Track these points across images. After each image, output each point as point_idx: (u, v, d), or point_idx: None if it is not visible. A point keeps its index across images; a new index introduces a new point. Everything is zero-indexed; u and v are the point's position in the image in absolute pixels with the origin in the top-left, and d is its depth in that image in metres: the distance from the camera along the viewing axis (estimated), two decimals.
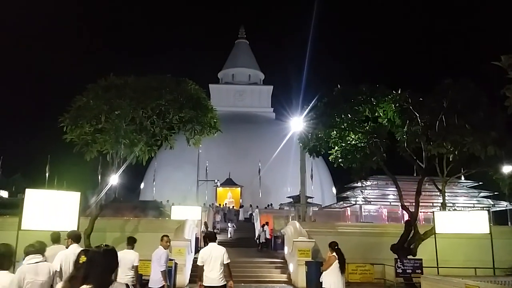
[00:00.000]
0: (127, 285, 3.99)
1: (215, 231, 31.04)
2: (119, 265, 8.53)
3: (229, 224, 33.00)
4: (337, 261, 10.23)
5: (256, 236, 30.12)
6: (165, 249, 10.47)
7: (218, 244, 8.86)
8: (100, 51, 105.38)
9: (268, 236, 27.37)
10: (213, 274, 8.27)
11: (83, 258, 4.76)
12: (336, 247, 10.43)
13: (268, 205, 42.77)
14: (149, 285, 10.11)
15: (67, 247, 7.84)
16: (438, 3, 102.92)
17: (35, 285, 5.81)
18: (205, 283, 8.27)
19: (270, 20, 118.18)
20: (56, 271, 6.45)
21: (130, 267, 9.53)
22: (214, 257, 8.31)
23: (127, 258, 9.61)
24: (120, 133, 14.82)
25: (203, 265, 8.36)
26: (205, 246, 27.12)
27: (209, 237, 9.23)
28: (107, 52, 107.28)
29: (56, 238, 8.96)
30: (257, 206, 42.89)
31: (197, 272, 8.78)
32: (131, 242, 10.26)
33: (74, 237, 7.86)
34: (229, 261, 8.42)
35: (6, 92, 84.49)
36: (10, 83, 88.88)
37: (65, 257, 7.01)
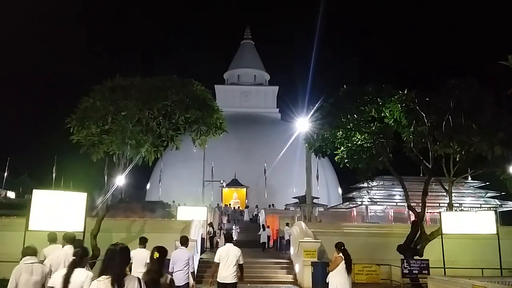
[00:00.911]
0: (138, 278, 4.69)
1: (223, 231, 31.40)
2: (133, 263, 10.12)
3: (233, 227, 33.10)
4: (343, 261, 10.21)
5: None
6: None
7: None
8: (107, 53, 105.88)
9: (265, 240, 27.65)
10: (227, 271, 9.02)
11: (156, 254, 5.97)
12: (342, 247, 10.41)
13: (270, 205, 42.72)
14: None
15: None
16: (444, 3, 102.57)
17: (29, 283, 6.65)
18: (219, 279, 9.05)
19: (276, 21, 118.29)
20: (48, 271, 7.10)
21: (143, 264, 10.05)
22: (231, 256, 9.09)
23: (139, 256, 10.35)
24: (127, 134, 14.85)
25: (219, 263, 9.10)
26: (211, 246, 27.30)
27: (226, 238, 9.97)
28: (114, 53, 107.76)
29: (53, 238, 9.57)
30: (257, 206, 42.90)
31: (211, 268, 9.60)
32: (143, 242, 11.06)
33: (68, 239, 8.23)
34: (243, 261, 9.21)
35: (13, 94, 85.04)
36: (17, 85, 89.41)
37: (56, 257, 7.56)
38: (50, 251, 8.58)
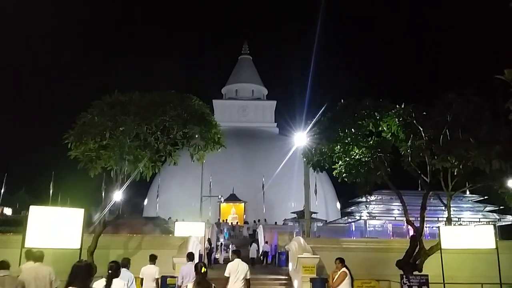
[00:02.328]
0: None
1: (223, 248, 31.48)
2: (144, 278, 11.54)
3: (230, 246, 32.94)
4: (348, 276, 10.13)
5: (260, 253, 30.04)
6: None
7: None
8: (106, 71, 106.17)
9: (254, 255, 27.68)
10: (236, 285, 9.70)
11: (203, 269, 7.17)
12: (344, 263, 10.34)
13: (257, 220, 42.62)
14: None
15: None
16: (442, 17, 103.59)
17: None
18: None
19: (274, 36, 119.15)
20: (19, 284, 8.02)
21: (152, 279, 11.24)
22: (240, 271, 9.78)
23: (149, 271, 11.47)
24: (125, 149, 14.83)
25: (229, 277, 9.77)
26: (208, 263, 27.20)
27: (235, 253, 10.74)
28: (113, 70, 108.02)
29: (35, 257, 9.86)
30: (254, 221, 42.67)
31: (222, 282, 10.07)
32: (152, 258, 11.97)
33: (36, 257, 9.25)
34: (250, 277, 9.97)
35: (10, 109, 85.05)
36: (14, 100, 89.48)
37: (27, 273, 8.52)
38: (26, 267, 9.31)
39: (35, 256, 9.32)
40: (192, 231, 22.23)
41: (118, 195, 16.70)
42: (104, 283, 6.90)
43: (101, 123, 15.30)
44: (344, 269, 10.22)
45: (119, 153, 14.82)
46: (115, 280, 7.19)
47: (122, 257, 11.35)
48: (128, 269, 10.77)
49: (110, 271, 7.30)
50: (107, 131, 15.25)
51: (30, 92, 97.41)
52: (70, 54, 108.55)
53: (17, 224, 25.02)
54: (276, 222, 43.76)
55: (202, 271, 7.12)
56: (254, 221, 43.57)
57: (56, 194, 42.10)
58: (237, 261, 10.00)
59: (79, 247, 13.86)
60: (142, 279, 11.69)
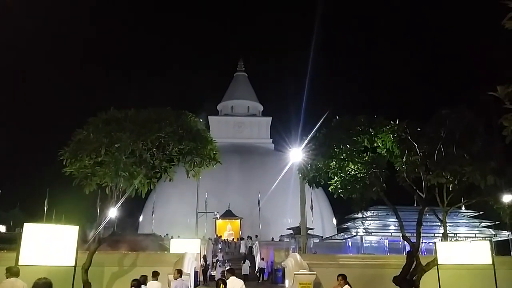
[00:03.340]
0: None
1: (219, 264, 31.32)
2: None
3: (225, 264, 32.68)
4: None
5: (256, 269, 29.88)
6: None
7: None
8: (102, 88, 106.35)
9: (247, 272, 27.65)
10: None
11: (222, 286, 8.51)
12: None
13: (249, 237, 42.51)
14: None
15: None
16: (436, 33, 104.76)
17: None
18: None
19: (269, 52, 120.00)
20: None
21: None
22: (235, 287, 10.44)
23: (152, 287, 12.56)
24: (120, 166, 14.79)
25: None
26: (204, 280, 27.22)
27: (230, 272, 11.63)
28: (108, 87, 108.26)
29: (10, 272, 11.09)
30: (249, 237, 42.40)
31: None
32: (155, 275, 13.09)
33: (13, 273, 10.63)
34: None
35: (5, 125, 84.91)
36: (8, 116, 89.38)
37: (3, 285, 9.80)
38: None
39: (13, 271, 10.64)
40: (188, 247, 22.11)
41: (113, 212, 16.62)
42: None
43: (97, 140, 15.28)
44: (348, 286, 10.10)
45: (114, 169, 14.78)
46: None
47: (140, 275, 12.97)
48: (145, 285, 12.46)
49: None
50: (102, 147, 15.22)
51: (25, 108, 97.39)
52: (65, 70, 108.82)
53: (11, 241, 24.80)
54: (272, 238, 43.51)
55: (221, 287, 8.57)
56: (249, 237, 43.10)
57: (50, 211, 41.80)
58: (232, 278, 10.58)
59: (73, 264, 13.75)
60: None
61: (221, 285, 8.38)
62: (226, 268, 18.34)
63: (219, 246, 40.21)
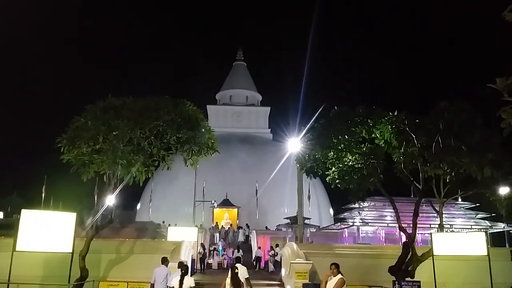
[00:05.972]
0: None
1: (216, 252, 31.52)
2: (156, 278, 13.02)
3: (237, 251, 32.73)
4: (345, 285, 10.04)
5: (253, 258, 30.03)
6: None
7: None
8: (98, 76, 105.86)
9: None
10: None
11: (236, 270, 11.05)
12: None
13: (241, 227, 42.65)
14: None
15: None
16: (435, 26, 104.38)
17: None
18: None
19: (268, 42, 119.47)
20: None
21: (162, 280, 12.85)
22: (240, 273, 11.53)
23: (161, 273, 13.10)
24: (118, 154, 14.79)
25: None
26: (201, 268, 27.24)
27: (236, 259, 13.77)
28: (105, 74, 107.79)
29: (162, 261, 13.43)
30: (245, 226, 42.48)
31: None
32: (164, 261, 13.63)
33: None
34: (248, 276, 12.21)
35: (1, 112, 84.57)
36: (6, 103, 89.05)
37: None
38: None
39: (162, 260, 13.20)
40: (185, 236, 22.20)
41: (110, 200, 16.65)
42: (179, 278, 10.25)
43: (94, 127, 15.27)
44: (341, 276, 10.08)
45: (112, 157, 14.78)
46: (187, 277, 10.49)
47: (162, 257, 13.92)
48: (166, 266, 13.51)
49: (182, 271, 10.50)
50: (100, 135, 15.22)
51: (23, 95, 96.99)
52: (63, 58, 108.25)
53: (9, 227, 24.82)
54: (266, 227, 43.53)
55: (235, 271, 10.92)
56: (247, 225, 42.95)
57: (48, 198, 41.79)
58: (239, 265, 12.06)
59: (70, 251, 13.82)
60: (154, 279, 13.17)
61: (236, 269, 10.94)
62: (235, 256, 19.95)
63: (218, 235, 40.32)
